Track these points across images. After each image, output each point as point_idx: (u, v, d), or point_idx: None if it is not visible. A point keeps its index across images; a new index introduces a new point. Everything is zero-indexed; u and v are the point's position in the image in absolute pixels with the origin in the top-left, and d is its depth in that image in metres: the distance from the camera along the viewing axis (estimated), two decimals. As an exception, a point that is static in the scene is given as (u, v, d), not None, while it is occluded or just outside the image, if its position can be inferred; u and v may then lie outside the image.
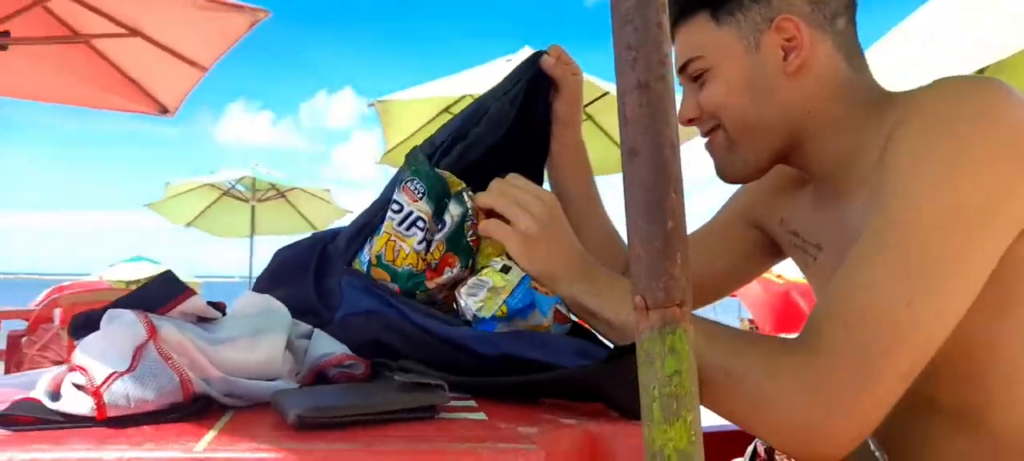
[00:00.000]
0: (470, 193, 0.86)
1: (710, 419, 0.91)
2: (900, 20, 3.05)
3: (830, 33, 0.86)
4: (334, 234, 0.94)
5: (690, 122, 0.93)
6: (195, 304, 0.63)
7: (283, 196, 8.30)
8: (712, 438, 1.13)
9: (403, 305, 0.79)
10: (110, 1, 3.37)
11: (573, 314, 0.84)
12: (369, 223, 0.87)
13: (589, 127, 5.79)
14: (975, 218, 0.69)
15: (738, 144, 0.90)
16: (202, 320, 0.64)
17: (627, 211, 0.49)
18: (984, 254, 0.70)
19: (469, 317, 0.79)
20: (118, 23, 3.49)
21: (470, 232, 0.85)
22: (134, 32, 3.52)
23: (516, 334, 0.76)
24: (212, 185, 8.21)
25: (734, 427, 1.03)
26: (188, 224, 8.47)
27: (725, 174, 0.94)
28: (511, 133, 0.97)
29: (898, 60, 2.66)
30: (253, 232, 8.37)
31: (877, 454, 0.73)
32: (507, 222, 0.85)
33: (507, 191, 0.87)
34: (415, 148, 0.90)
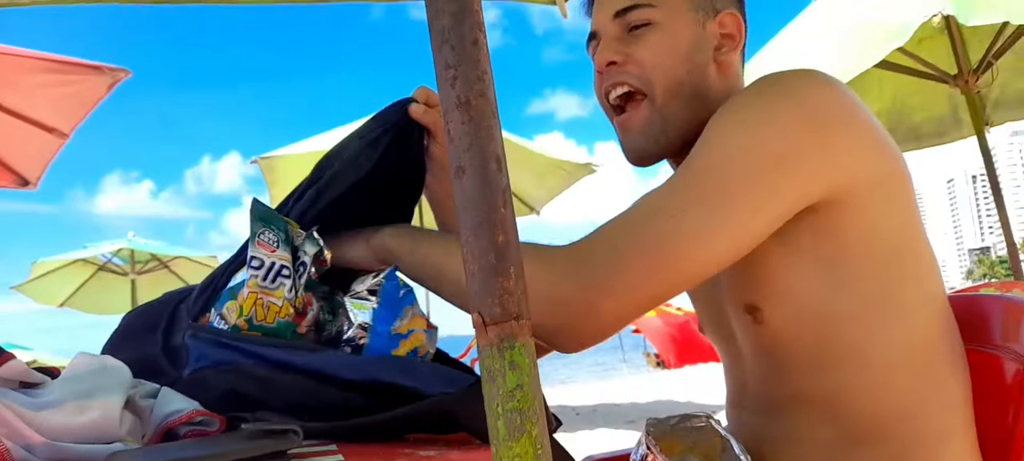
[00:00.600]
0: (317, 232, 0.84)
1: (590, 445, 0.91)
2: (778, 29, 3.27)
3: (742, 48, 0.94)
4: (189, 291, 0.89)
5: (611, 66, 0.92)
6: (14, 368, 0.58)
7: (165, 266, 7.88)
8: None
9: (260, 346, 0.75)
10: (-44, 70, 3.15)
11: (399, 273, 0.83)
12: (220, 277, 0.83)
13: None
14: (758, 167, 0.74)
15: (662, 113, 0.89)
16: (25, 386, 0.59)
17: (461, 230, 0.49)
18: (760, 202, 0.75)
19: (360, 322, 0.78)
20: (-33, 93, 3.26)
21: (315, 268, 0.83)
22: (-15, 101, 3.30)
23: (383, 359, 0.75)
24: (85, 260, 7.71)
25: (622, 452, 1.03)
26: (61, 304, 7.90)
27: (641, 153, 0.93)
28: (374, 174, 0.93)
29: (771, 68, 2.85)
30: (134, 307, 7.89)
31: (742, 457, 0.75)
32: None
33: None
34: (255, 199, 0.86)
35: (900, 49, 2.46)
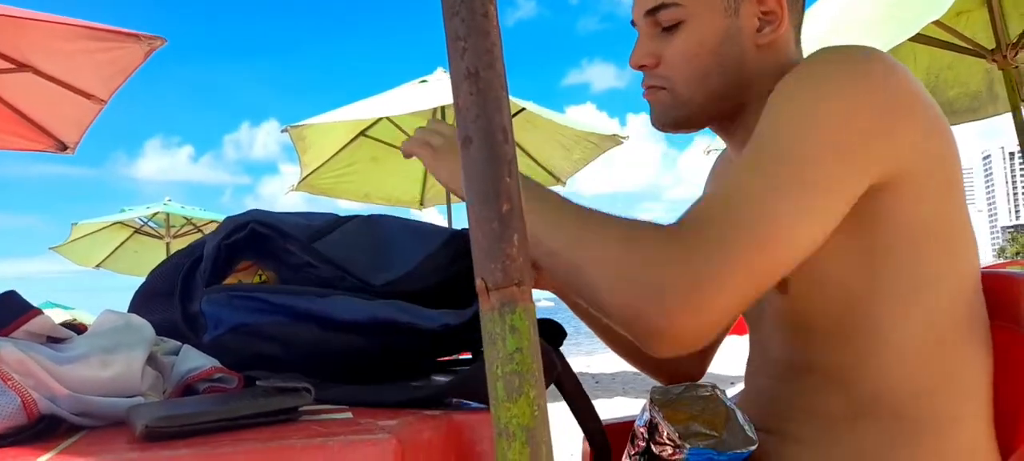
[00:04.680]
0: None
1: (606, 413, 0.93)
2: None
3: (793, 13, 0.90)
4: (200, 251, 0.89)
5: (642, 68, 0.92)
6: (43, 323, 0.61)
7: (199, 230, 8.04)
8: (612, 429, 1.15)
9: (270, 295, 0.77)
10: (-4, 36, 3.22)
11: None
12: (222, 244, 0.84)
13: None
14: (842, 148, 0.73)
15: (686, 102, 0.90)
16: (52, 340, 0.62)
17: (466, 199, 0.51)
18: (846, 183, 0.74)
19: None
20: (7, 58, 3.34)
21: None
22: (24, 66, 3.38)
23: (384, 302, 0.76)
24: (123, 223, 7.90)
25: (629, 418, 1.05)
26: (97, 265, 8.11)
27: (664, 123, 0.94)
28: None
29: (809, 36, 2.81)
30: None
31: (746, 427, 0.76)
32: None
33: (416, 135, 0.95)
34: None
35: (936, 22, 2.40)
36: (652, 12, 0.89)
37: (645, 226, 0.73)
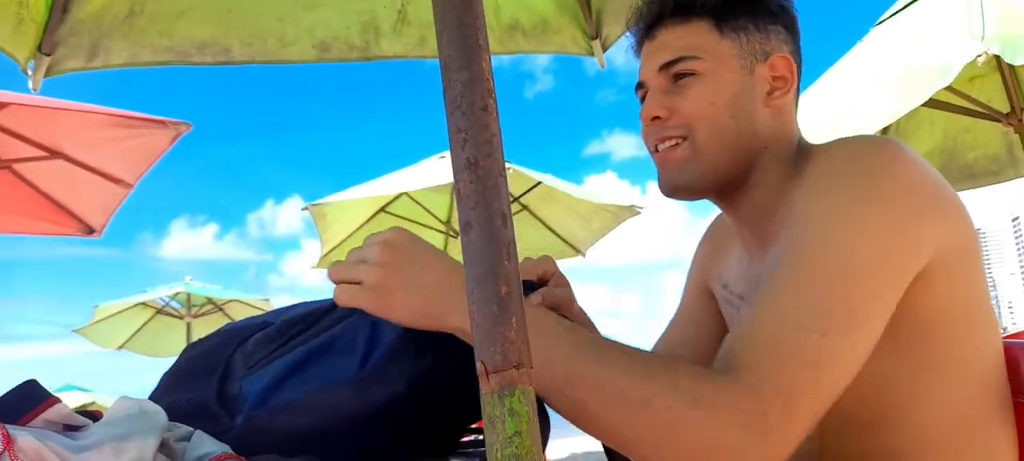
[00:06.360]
0: None
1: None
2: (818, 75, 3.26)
3: (796, 88, 0.93)
4: (248, 329, 0.89)
5: (655, 120, 0.92)
6: (60, 412, 0.62)
7: (221, 310, 8.11)
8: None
9: (305, 347, 0.78)
10: (30, 124, 3.36)
11: None
12: (284, 335, 0.84)
13: (525, 217, 5.90)
14: (880, 263, 0.72)
15: (702, 156, 0.89)
16: (69, 429, 0.64)
17: (467, 283, 0.52)
18: (886, 298, 0.73)
19: None
20: (39, 146, 3.46)
21: None
22: (55, 154, 3.49)
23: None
24: (144, 304, 7.98)
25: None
26: (119, 347, 8.16)
27: (675, 185, 0.92)
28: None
29: (813, 117, 2.84)
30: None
31: None
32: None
33: (349, 256, 0.77)
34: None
35: (949, 88, 2.43)
36: (668, 65, 0.91)
37: (697, 376, 0.68)
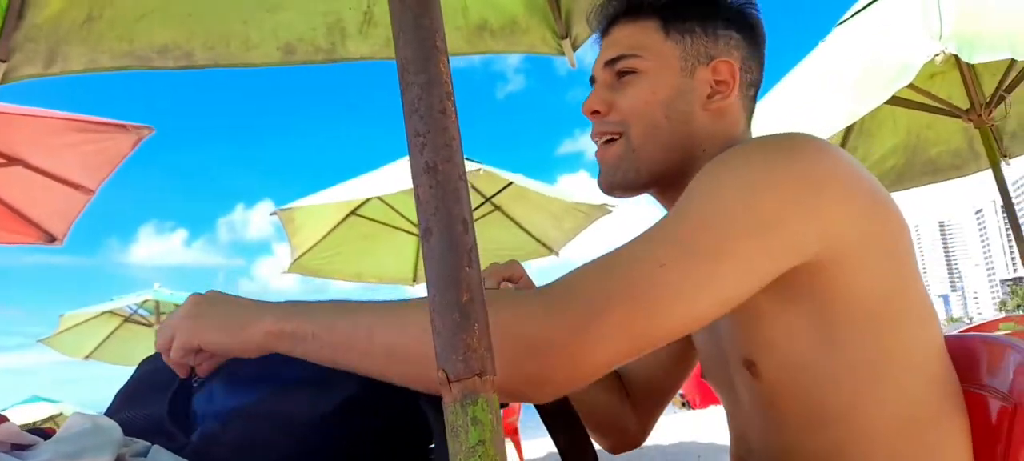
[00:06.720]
0: None
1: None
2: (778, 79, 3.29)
3: (744, 96, 0.94)
4: None
5: (594, 114, 0.95)
6: (7, 431, 0.60)
7: (190, 316, 7.96)
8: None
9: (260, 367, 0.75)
10: (-14, 132, 3.27)
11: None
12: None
13: (498, 217, 5.89)
14: (747, 227, 0.72)
15: (636, 153, 0.92)
16: (17, 448, 0.61)
17: (428, 289, 0.51)
18: (748, 262, 0.72)
19: None
20: (-3, 153, 3.37)
21: None
22: (13, 161, 3.41)
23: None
24: (112, 312, 7.81)
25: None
26: (87, 356, 7.99)
27: (612, 182, 0.94)
28: None
29: (773, 120, 2.86)
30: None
31: None
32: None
33: (163, 335, 0.80)
34: None
35: (911, 85, 2.46)
36: (612, 62, 0.94)
37: (528, 292, 0.73)
